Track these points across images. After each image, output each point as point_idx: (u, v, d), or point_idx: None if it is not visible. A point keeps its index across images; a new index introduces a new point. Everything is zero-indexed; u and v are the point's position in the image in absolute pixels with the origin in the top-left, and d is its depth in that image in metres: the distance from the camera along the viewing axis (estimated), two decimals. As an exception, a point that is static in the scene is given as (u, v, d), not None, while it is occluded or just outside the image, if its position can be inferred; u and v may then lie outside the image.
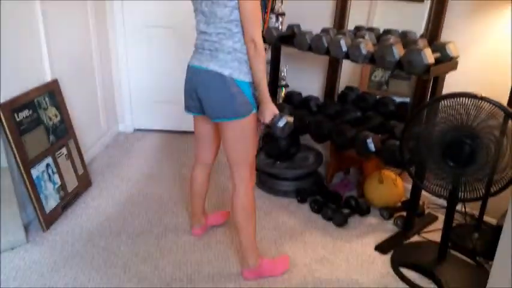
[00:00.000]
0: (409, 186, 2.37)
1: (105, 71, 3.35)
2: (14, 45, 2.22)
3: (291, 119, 1.80)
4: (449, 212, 1.99)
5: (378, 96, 2.70)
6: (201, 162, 2.12)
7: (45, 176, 2.34)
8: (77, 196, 2.61)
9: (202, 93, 1.79)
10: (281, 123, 1.77)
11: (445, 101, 1.78)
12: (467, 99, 1.73)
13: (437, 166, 1.84)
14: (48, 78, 2.52)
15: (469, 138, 1.74)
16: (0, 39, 2.09)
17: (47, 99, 2.45)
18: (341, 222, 2.42)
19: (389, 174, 2.56)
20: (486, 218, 2.36)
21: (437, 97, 1.87)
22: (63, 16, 2.70)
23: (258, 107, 1.81)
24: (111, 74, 3.47)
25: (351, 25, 2.79)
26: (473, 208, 2.46)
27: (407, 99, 2.62)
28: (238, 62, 1.72)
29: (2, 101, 2.12)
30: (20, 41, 2.27)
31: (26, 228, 2.28)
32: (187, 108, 1.93)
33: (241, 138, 1.81)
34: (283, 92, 3.15)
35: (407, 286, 2.00)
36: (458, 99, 1.75)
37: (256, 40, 1.66)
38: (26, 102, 2.28)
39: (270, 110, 1.78)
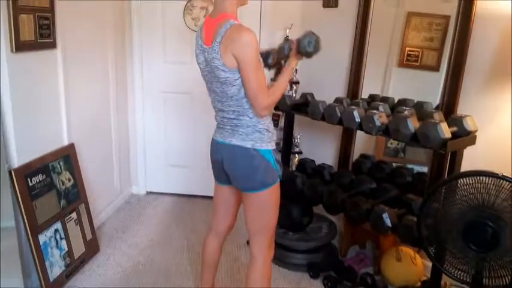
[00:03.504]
0: (429, 264, 2.23)
1: (122, 134, 3.40)
2: (34, 110, 2.26)
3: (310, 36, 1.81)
4: (474, 298, 1.84)
5: (394, 165, 2.63)
6: (215, 231, 2.07)
7: (53, 242, 2.29)
8: (83, 263, 2.54)
9: (228, 167, 1.81)
10: (306, 41, 1.79)
11: (464, 179, 1.71)
12: (486, 177, 1.65)
13: (458, 249, 1.73)
14: (65, 142, 2.55)
15: (491, 220, 1.64)
16: (17, 104, 2.14)
17: (61, 163, 2.46)
18: (356, 302, 2.27)
19: (408, 250, 2.42)
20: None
21: (455, 175, 1.81)
22: (84, 81, 2.77)
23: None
24: (127, 138, 3.51)
25: (365, 91, 2.79)
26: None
27: (425, 168, 2.55)
28: (259, 133, 1.76)
29: (16, 165, 2.14)
30: (40, 105, 2.32)
31: (28, 297, 2.20)
32: (217, 179, 1.96)
33: (265, 207, 1.82)
34: (296, 159, 3.12)
35: None
36: (477, 177, 1.68)
37: (267, 106, 1.69)
38: (41, 166, 2.29)
39: (293, 60, 1.86)
